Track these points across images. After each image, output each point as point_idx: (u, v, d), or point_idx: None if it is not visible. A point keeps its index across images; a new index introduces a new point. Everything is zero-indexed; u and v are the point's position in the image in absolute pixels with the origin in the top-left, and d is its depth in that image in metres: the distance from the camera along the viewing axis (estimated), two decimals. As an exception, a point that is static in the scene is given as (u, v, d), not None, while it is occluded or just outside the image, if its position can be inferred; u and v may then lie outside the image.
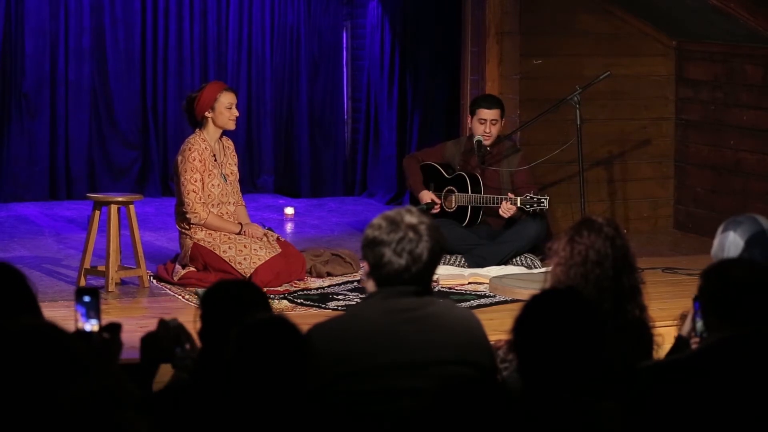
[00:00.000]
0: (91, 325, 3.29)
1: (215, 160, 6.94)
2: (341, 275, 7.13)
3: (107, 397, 2.37)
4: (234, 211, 7.04)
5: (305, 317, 5.75)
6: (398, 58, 10.09)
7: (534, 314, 3.10)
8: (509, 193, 7.38)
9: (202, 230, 6.88)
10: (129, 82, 10.11)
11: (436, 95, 9.87)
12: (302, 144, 10.54)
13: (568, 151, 7.73)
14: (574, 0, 8.54)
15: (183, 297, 6.58)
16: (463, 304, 6.26)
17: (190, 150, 6.85)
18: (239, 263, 6.79)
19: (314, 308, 6.36)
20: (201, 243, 6.85)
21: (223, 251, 6.83)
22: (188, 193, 6.82)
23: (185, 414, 3.20)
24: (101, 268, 6.75)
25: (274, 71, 10.51)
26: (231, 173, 7.04)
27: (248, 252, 6.82)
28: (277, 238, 7.10)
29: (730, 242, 4.37)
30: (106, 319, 3.39)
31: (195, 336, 3.48)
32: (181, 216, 6.91)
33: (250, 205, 8.02)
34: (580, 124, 7.57)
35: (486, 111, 7.56)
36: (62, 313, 5.33)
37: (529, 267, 7.32)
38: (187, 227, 6.89)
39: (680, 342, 3.94)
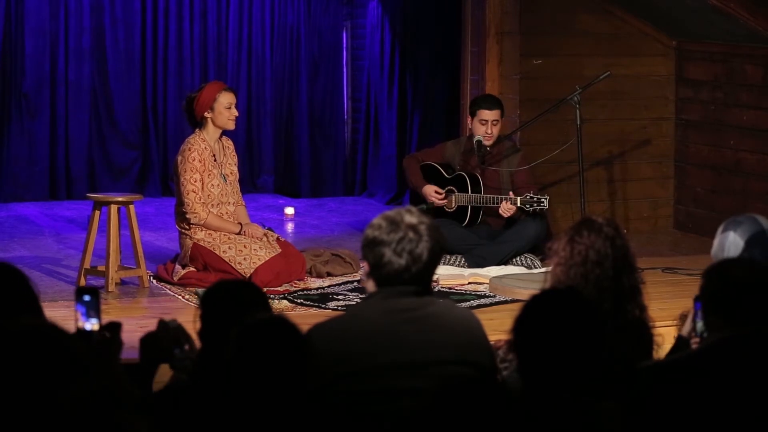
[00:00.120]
0: (92, 325, 3.29)
1: (215, 160, 6.94)
2: (341, 275, 7.13)
3: (107, 397, 2.37)
4: (234, 211, 7.04)
5: (305, 317, 5.75)
6: (398, 58, 10.09)
7: (534, 314, 3.10)
8: (510, 193, 7.38)
9: (202, 230, 6.88)
10: (129, 82, 10.11)
11: (436, 95, 9.87)
12: (302, 144, 10.55)
13: (568, 151, 7.73)
14: (574, 0, 8.54)
15: (183, 297, 6.58)
16: (463, 304, 6.26)
17: (189, 150, 6.85)
18: (239, 263, 6.79)
19: (314, 308, 6.36)
20: (201, 243, 6.85)
21: (223, 251, 6.83)
22: (188, 193, 6.82)
23: (185, 414, 3.20)
24: (101, 268, 6.75)
25: (274, 71, 10.52)
26: (231, 173, 7.04)
27: (248, 252, 6.82)
28: (277, 238, 7.10)
29: (730, 242, 4.37)
30: (106, 319, 3.39)
31: (195, 336, 3.48)
32: (181, 216, 6.91)
33: (250, 205, 8.02)
34: (580, 124, 7.57)
35: (487, 112, 7.56)
36: (62, 313, 5.33)
37: (529, 267, 7.32)
38: (187, 227, 6.89)
39: (680, 342, 3.94)
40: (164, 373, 3.66)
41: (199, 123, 6.94)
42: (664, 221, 8.96)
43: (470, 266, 7.29)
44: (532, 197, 7.24)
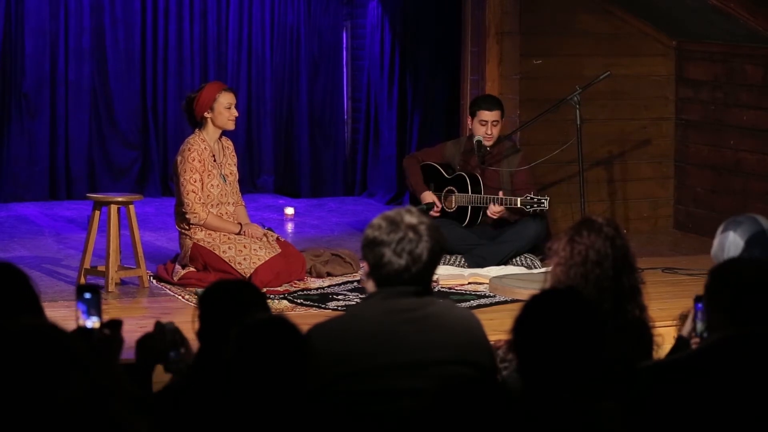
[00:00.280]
0: (92, 322, 3.29)
1: (214, 161, 6.94)
2: (341, 275, 7.13)
3: (105, 395, 2.38)
4: (233, 212, 7.04)
5: (305, 317, 5.75)
6: (398, 58, 10.09)
7: (534, 314, 3.10)
8: (499, 193, 7.38)
9: (201, 230, 6.88)
10: (129, 82, 10.11)
11: (436, 95, 9.87)
12: (302, 144, 10.55)
13: (568, 151, 7.73)
14: (574, 0, 8.54)
15: (183, 297, 6.58)
16: (463, 304, 6.26)
17: (189, 150, 6.85)
18: (239, 263, 6.79)
19: (314, 308, 6.36)
20: (201, 243, 6.85)
21: (223, 251, 6.83)
22: (188, 194, 6.82)
23: (185, 414, 3.20)
24: (101, 268, 6.75)
25: (274, 71, 10.52)
26: (230, 173, 7.04)
27: (248, 252, 6.82)
28: (277, 238, 7.10)
29: (730, 242, 4.37)
30: (106, 318, 3.39)
31: (193, 336, 3.48)
32: (181, 216, 6.91)
33: (250, 205, 8.02)
34: (580, 124, 7.57)
35: (487, 113, 7.56)
36: (62, 313, 5.33)
37: (529, 267, 7.32)
38: (187, 227, 6.89)
39: (680, 342, 3.93)
40: (164, 374, 3.66)
41: (198, 123, 6.94)
42: (664, 221, 8.96)
43: (470, 266, 7.29)
44: (532, 198, 7.24)
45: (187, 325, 3.56)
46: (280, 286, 6.83)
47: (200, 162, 6.84)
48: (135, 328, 5.58)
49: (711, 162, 8.57)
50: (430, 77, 9.92)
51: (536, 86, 8.40)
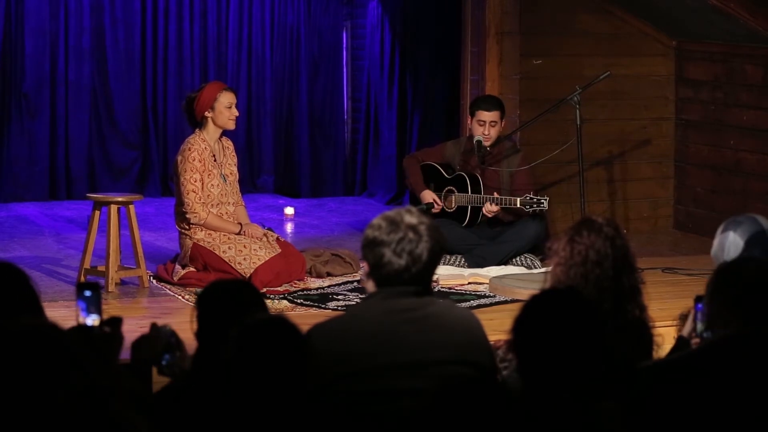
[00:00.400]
0: (92, 320, 3.29)
1: (215, 161, 6.94)
2: (341, 275, 7.13)
3: (104, 395, 2.38)
4: (233, 212, 7.04)
5: (305, 317, 5.75)
6: (398, 58, 10.09)
7: (534, 314, 3.10)
8: (494, 193, 7.38)
9: (201, 230, 6.88)
10: (129, 82, 10.12)
11: (436, 95, 9.87)
12: (302, 144, 10.55)
13: (568, 151, 7.73)
14: (574, 0, 8.54)
15: (183, 297, 6.58)
16: (463, 304, 6.26)
17: (189, 150, 6.85)
18: (239, 263, 6.79)
19: (314, 308, 6.36)
20: (201, 243, 6.85)
21: (223, 251, 6.83)
22: (188, 193, 6.82)
23: (184, 415, 3.20)
24: (101, 268, 6.75)
25: (274, 71, 10.52)
26: (230, 173, 7.04)
27: (248, 252, 6.82)
28: (277, 238, 7.10)
29: (730, 242, 4.37)
30: (105, 316, 3.39)
31: (192, 336, 3.47)
32: (181, 216, 6.91)
33: (250, 205, 8.02)
34: (580, 124, 7.57)
35: (485, 113, 7.56)
36: (62, 313, 5.33)
37: (529, 267, 7.32)
38: (187, 227, 6.89)
39: (681, 342, 3.93)
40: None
41: (199, 123, 6.94)
42: (664, 221, 8.96)
43: (470, 266, 7.29)
44: (532, 198, 7.24)
45: (186, 325, 3.56)
46: (280, 286, 6.83)
47: (201, 162, 6.84)
48: (135, 328, 5.57)
49: (711, 162, 8.57)
50: (430, 77, 9.92)
51: (536, 86, 8.40)
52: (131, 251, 6.85)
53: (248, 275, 6.72)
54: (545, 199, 7.25)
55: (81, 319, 3.29)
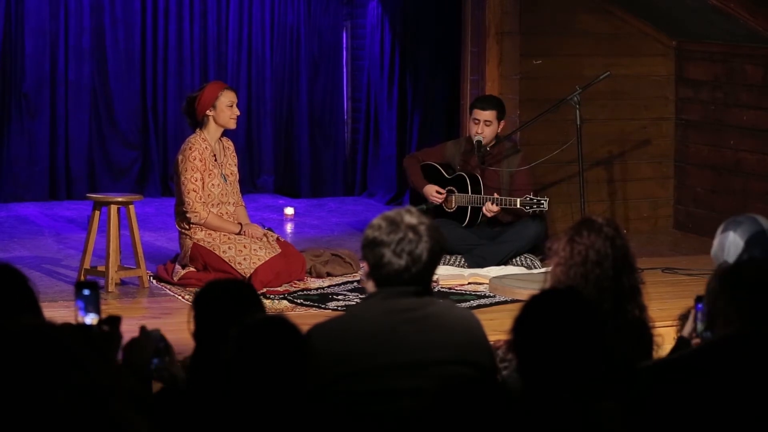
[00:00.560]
0: (91, 319, 3.29)
1: (215, 160, 6.94)
2: (341, 275, 7.13)
3: (104, 395, 2.38)
4: (234, 212, 7.04)
5: (305, 317, 5.75)
6: (398, 58, 10.09)
7: (534, 314, 3.10)
8: (494, 194, 7.38)
9: (201, 230, 6.88)
10: (129, 82, 10.12)
11: (436, 95, 9.87)
12: (302, 144, 10.55)
13: (568, 151, 7.73)
14: (574, 0, 8.54)
15: (183, 297, 6.58)
16: (463, 304, 6.27)
17: (190, 149, 6.85)
18: (239, 263, 6.79)
19: (314, 308, 6.36)
20: (201, 243, 6.85)
21: (223, 251, 6.83)
22: (188, 193, 6.82)
23: (184, 415, 3.20)
24: (101, 268, 6.75)
25: (274, 71, 10.52)
26: (231, 173, 7.05)
27: (248, 252, 6.83)
28: (277, 239, 7.11)
29: (730, 242, 4.37)
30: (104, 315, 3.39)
31: (189, 336, 3.47)
32: (181, 216, 6.91)
33: (250, 205, 8.02)
34: (580, 124, 7.57)
35: (480, 111, 7.57)
36: (62, 313, 5.33)
37: (529, 267, 7.33)
38: (187, 227, 6.89)
39: (681, 343, 3.93)
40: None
41: (199, 123, 6.94)
42: (664, 221, 8.96)
43: (470, 266, 7.29)
44: (532, 199, 7.25)
45: (184, 325, 3.56)
46: (280, 286, 6.83)
47: (201, 161, 6.85)
48: (135, 328, 5.57)
49: (711, 162, 8.57)
50: (430, 77, 9.92)
51: (536, 86, 8.40)
52: (131, 251, 6.85)
53: (248, 275, 6.72)
54: (545, 200, 7.25)
55: (79, 318, 3.29)
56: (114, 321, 3.32)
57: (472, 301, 6.53)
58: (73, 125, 9.96)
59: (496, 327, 4.40)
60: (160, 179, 10.23)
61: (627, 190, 8.82)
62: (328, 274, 7.13)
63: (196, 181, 6.84)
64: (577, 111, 7.55)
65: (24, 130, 9.84)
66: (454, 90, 9.01)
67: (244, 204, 7.21)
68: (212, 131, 6.93)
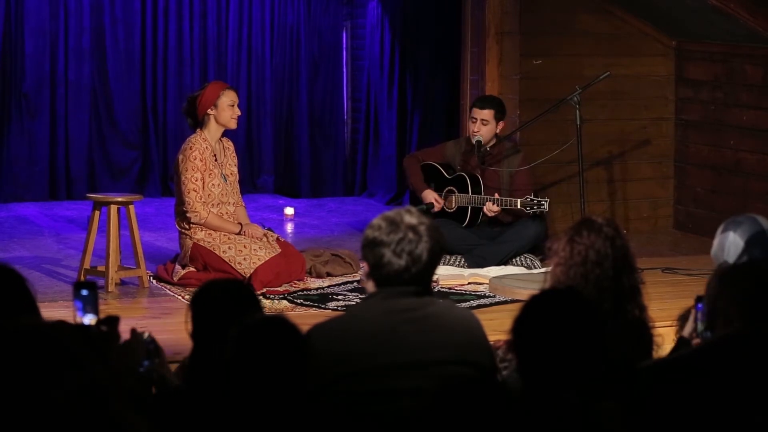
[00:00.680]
0: (89, 319, 3.29)
1: (216, 160, 6.94)
2: (341, 275, 7.13)
3: (104, 395, 2.38)
4: (234, 212, 7.04)
5: (305, 317, 5.75)
6: (398, 58, 10.09)
7: (534, 314, 3.10)
8: (495, 194, 7.39)
9: (202, 230, 6.88)
10: (129, 82, 10.11)
11: (436, 95, 9.87)
12: (302, 144, 10.55)
13: (568, 151, 7.73)
14: (574, 0, 8.54)
15: (183, 297, 6.57)
16: (463, 304, 6.27)
17: (191, 149, 6.85)
18: (239, 263, 6.79)
19: (314, 308, 6.36)
20: (201, 243, 6.85)
21: (223, 251, 6.83)
22: (189, 192, 6.82)
23: (183, 415, 3.19)
24: (101, 268, 6.75)
25: (274, 71, 10.52)
26: (231, 174, 7.05)
27: (248, 252, 6.83)
28: (277, 239, 7.11)
29: (730, 242, 4.37)
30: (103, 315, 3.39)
31: (187, 337, 3.47)
32: (181, 216, 6.91)
33: (250, 206, 8.02)
34: (580, 124, 7.57)
35: (477, 110, 7.58)
36: (62, 314, 5.32)
37: (529, 267, 7.33)
38: (187, 227, 6.89)
39: (681, 343, 3.93)
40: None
41: (200, 123, 6.94)
42: (664, 221, 8.96)
43: (470, 266, 7.29)
44: (532, 200, 7.25)
45: (182, 325, 3.56)
46: (280, 286, 6.83)
47: (202, 161, 6.85)
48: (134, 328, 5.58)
49: (711, 162, 8.57)
50: (430, 77, 9.92)
51: (536, 86, 8.40)
52: (131, 251, 6.85)
53: (248, 275, 6.72)
54: (546, 201, 7.25)
55: (78, 319, 3.29)
56: (112, 321, 3.32)
57: (472, 301, 6.53)
58: (73, 125, 9.96)
59: (496, 327, 4.40)
60: (160, 179, 10.23)
61: (627, 190, 8.82)
62: (328, 274, 7.13)
63: (196, 180, 6.84)
64: (577, 111, 7.55)
65: (24, 130, 9.84)
66: (454, 90, 9.01)
67: (244, 204, 7.21)
68: (213, 131, 6.94)
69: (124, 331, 3.42)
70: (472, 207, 7.56)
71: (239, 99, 7.06)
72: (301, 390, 2.98)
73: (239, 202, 7.13)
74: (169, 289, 6.79)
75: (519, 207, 7.28)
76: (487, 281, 6.90)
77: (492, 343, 3.66)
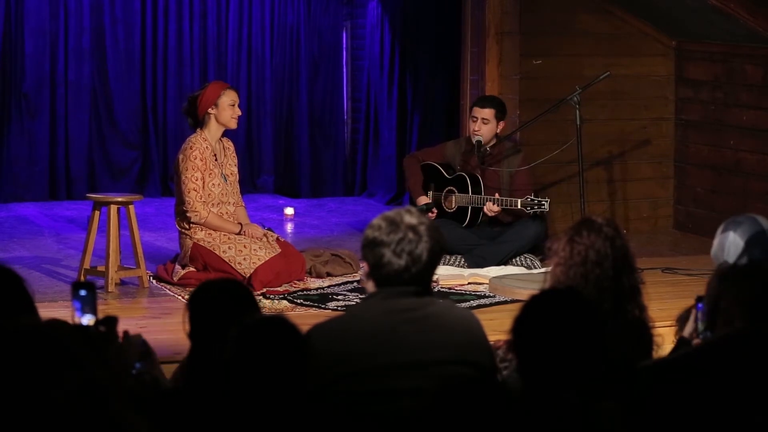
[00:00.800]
0: (87, 320, 3.29)
1: (216, 160, 6.95)
2: (341, 275, 7.13)
3: (102, 393, 2.38)
4: (234, 212, 7.04)
5: (305, 317, 5.75)
6: (398, 58, 10.09)
7: (534, 314, 3.10)
8: (496, 194, 7.39)
9: (202, 230, 6.88)
10: (129, 82, 10.12)
11: (436, 95, 9.87)
12: (302, 144, 10.55)
13: (568, 151, 7.73)
14: (574, 0, 8.54)
15: (183, 297, 6.57)
16: (463, 304, 6.27)
17: (191, 148, 6.85)
18: (239, 263, 6.79)
19: (314, 308, 6.36)
20: (201, 243, 6.85)
21: (223, 251, 6.83)
22: (189, 192, 6.82)
23: (183, 415, 3.19)
24: (101, 268, 6.75)
25: (274, 71, 10.52)
26: (231, 174, 7.05)
27: (248, 252, 6.83)
28: (277, 239, 7.11)
29: (730, 242, 4.37)
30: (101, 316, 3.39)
31: (185, 337, 3.47)
32: (181, 216, 6.91)
33: (250, 206, 8.02)
34: (580, 124, 7.57)
35: (478, 109, 7.59)
36: (62, 314, 5.26)
37: (529, 267, 7.33)
38: (187, 227, 6.89)
39: (681, 343, 3.93)
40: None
41: (200, 123, 6.94)
42: (664, 221, 8.96)
43: (470, 266, 7.29)
44: (532, 200, 7.25)
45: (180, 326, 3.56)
46: (280, 286, 6.83)
47: (202, 160, 6.85)
48: (135, 328, 5.57)
49: (711, 162, 8.57)
50: (430, 77, 9.92)
51: (536, 86, 8.40)
52: (131, 251, 6.85)
53: (248, 275, 6.72)
54: (546, 201, 7.25)
55: (76, 319, 3.29)
56: (111, 322, 3.31)
57: (472, 301, 6.53)
58: (73, 125, 9.96)
59: (496, 327, 4.40)
60: (160, 179, 10.23)
61: (627, 190, 8.82)
62: (328, 274, 7.13)
63: (196, 180, 6.84)
64: (577, 111, 7.55)
65: (24, 130, 9.84)
66: (454, 90, 9.01)
67: (243, 204, 7.21)
68: (213, 131, 6.94)
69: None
70: (472, 207, 7.56)
71: (239, 99, 7.06)
72: (301, 390, 2.98)
73: (239, 202, 7.13)
74: (169, 289, 6.79)
75: (519, 207, 7.28)
76: (487, 281, 6.90)
77: (492, 343, 3.66)
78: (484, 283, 6.91)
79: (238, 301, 3.42)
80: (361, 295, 6.25)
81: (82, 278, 6.79)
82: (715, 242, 4.44)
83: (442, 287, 6.74)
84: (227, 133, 7.08)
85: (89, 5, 9.89)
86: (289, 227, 9.06)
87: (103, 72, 10.03)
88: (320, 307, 6.37)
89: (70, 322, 3.29)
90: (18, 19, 9.71)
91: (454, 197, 7.64)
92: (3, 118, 9.78)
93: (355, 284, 6.86)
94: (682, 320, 3.98)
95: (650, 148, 8.85)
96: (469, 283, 6.95)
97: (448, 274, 6.99)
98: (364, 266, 3.53)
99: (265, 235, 7.02)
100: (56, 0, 9.80)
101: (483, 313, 5.94)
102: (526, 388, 3.05)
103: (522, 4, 8.36)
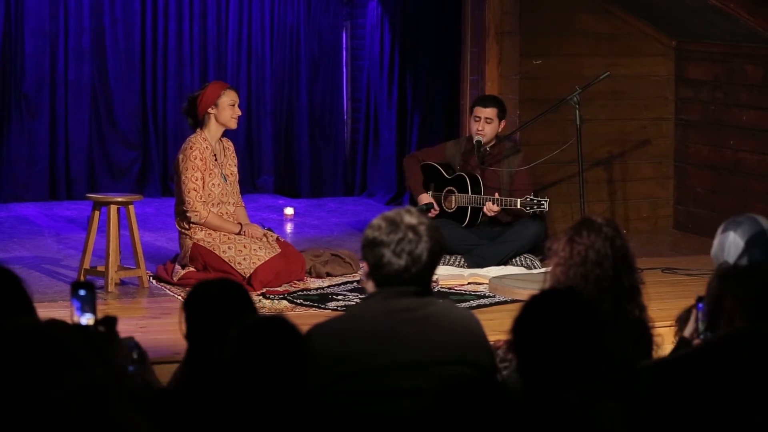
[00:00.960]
0: (87, 319, 3.29)
1: (216, 160, 6.95)
2: (341, 275, 7.13)
3: (102, 393, 2.37)
4: (233, 212, 7.04)
5: (305, 317, 5.75)
6: (398, 58, 10.09)
7: (533, 314, 3.10)
8: (495, 194, 7.39)
9: (201, 230, 6.88)
10: (129, 82, 10.12)
11: (436, 95, 9.87)
12: (302, 144, 10.55)
13: (568, 151, 7.73)
14: (574, 0, 8.54)
15: (182, 297, 6.56)
16: (463, 304, 6.27)
17: (191, 148, 6.85)
18: (239, 263, 6.79)
19: (314, 308, 6.36)
20: (201, 243, 6.85)
21: (223, 251, 6.83)
22: (189, 192, 6.82)
23: (183, 415, 3.19)
24: (101, 268, 6.75)
25: (274, 71, 10.52)
26: (231, 174, 7.05)
27: (248, 252, 6.83)
28: (277, 239, 7.11)
29: (730, 242, 4.37)
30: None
31: (182, 337, 3.47)
32: (181, 216, 6.91)
33: (250, 206, 8.02)
34: (580, 124, 7.57)
35: (481, 109, 7.59)
36: (61, 314, 5.27)
37: (528, 267, 7.33)
38: (187, 227, 6.89)
39: (682, 343, 3.93)
40: (161, 375, 3.66)
41: (200, 123, 6.94)
42: (664, 221, 8.96)
43: (470, 266, 7.29)
44: (532, 200, 7.25)
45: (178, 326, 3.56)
46: (280, 286, 6.83)
47: (202, 160, 6.85)
48: (135, 328, 5.60)
49: (711, 162, 8.57)
50: (430, 77, 9.92)
51: (536, 86, 8.40)
52: (131, 251, 6.85)
53: (248, 275, 6.72)
54: (546, 201, 7.25)
55: (75, 319, 3.29)
56: (110, 321, 3.31)
57: (472, 301, 6.53)
58: (73, 125, 9.96)
59: (496, 327, 4.40)
60: (160, 179, 10.23)
61: (627, 190, 8.82)
62: (328, 274, 7.13)
63: (196, 180, 6.84)
64: (577, 111, 7.55)
65: (24, 130, 9.84)
66: (454, 90, 9.01)
67: (243, 205, 7.21)
68: (213, 131, 6.94)
69: (123, 332, 3.41)
70: (472, 207, 7.56)
71: (239, 99, 7.06)
72: (301, 390, 2.97)
73: (239, 202, 7.13)
74: (169, 289, 6.79)
75: (519, 207, 7.28)
76: (487, 281, 6.90)
77: (492, 343, 3.66)
78: (484, 283, 6.91)
79: (234, 301, 3.41)
80: (361, 295, 6.25)
81: (82, 278, 6.79)
82: (715, 242, 4.44)
83: (442, 287, 6.74)
84: (227, 133, 7.08)
85: (89, 5, 9.89)
86: (289, 227, 9.06)
87: (103, 72, 10.03)
88: (320, 307, 6.37)
89: (69, 320, 3.30)
90: (18, 19, 9.71)
91: (453, 197, 7.64)
92: (3, 118, 9.78)
93: (355, 284, 6.86)
94: (682, 320, 3.98)
95: (650, 148, 8.85)
96: (469, 283, 6.95)
97: (448, 274, 6.99)
98: (364, 266, 3.53)
99: (265, 235, 7.02)
100: (56, 0, 9.80)
101: (483, 313, 5.94)
102: (526, 388, 3.05)
103: (522, 4, 8.36)
